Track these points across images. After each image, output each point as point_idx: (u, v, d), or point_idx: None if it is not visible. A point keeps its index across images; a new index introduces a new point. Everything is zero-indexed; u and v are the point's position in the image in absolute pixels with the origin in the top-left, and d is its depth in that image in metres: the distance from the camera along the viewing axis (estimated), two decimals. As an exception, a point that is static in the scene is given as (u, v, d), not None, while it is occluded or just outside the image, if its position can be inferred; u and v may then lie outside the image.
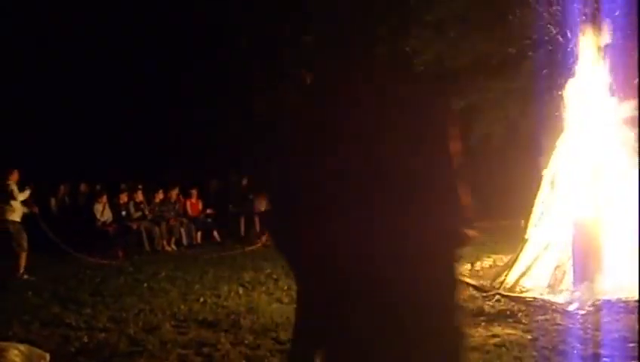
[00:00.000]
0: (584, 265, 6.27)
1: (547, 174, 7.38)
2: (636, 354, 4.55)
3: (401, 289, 1.84)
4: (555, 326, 5.36)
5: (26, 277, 8.85)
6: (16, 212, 9.10)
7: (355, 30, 2.11)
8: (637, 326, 5.05)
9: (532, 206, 7.44)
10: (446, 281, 1.95)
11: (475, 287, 6.96)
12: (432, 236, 1.89)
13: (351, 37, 2.06)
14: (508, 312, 5.73)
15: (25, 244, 9.02)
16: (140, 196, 12.73)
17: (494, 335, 5.16)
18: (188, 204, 13.56)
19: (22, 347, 4.69)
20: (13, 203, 9.08)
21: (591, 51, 7.12)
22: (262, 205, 14.81)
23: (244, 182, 14.13)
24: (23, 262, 8.96)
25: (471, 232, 2.07)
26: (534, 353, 4.69)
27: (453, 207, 1.92)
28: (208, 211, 13.67)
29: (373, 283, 1.81)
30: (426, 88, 2.12)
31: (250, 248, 11.46)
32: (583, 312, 5.68)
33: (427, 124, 1.96)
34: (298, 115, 2.01)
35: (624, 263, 6.33)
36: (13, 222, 9.02)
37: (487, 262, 8.57)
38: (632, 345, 4.73)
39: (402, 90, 1.99)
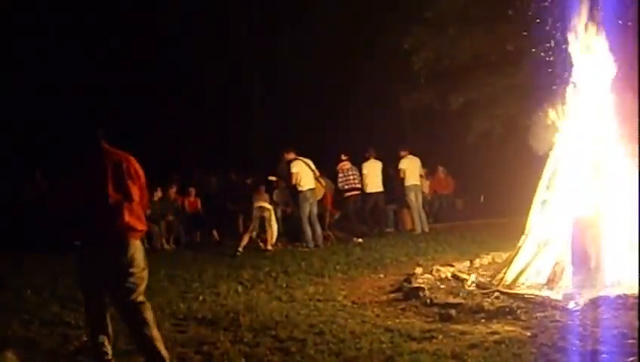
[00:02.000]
0: (583, 262, 6.26)
1: (546, 171, 7.37)
2: (635, 350, 4.55)
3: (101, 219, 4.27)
4: (554, 323, 5.36)
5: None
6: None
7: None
8: (636, 323, 5.05)
9: (531, 203, 7.43)
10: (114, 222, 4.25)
11: (474, 284, 6.97)
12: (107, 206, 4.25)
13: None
14: (507, 309, 5.73)
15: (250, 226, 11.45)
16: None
17: (493, 332, 5.16)
18: (186, 202, 13.56)
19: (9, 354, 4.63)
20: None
21: (591, 48, 7.10)
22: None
23: (248, 180, 14.10)
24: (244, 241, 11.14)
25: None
26: (533, 350, 4.69)
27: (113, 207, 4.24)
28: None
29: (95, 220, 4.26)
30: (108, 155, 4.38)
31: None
32: (581, 309, 5.68)
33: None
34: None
35: (623, 259, 6.32)
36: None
37: (485, 259, 8.57)
38: (631, 341, 4.73)
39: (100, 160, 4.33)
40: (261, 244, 11.43)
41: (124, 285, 4.25)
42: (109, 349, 4.41)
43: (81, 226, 4.27)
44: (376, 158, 13.25)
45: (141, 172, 4.41)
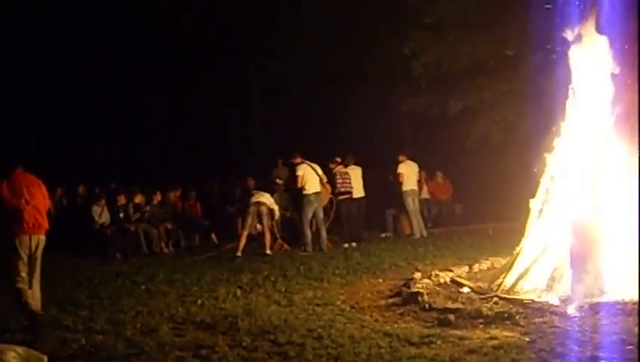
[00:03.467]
0: (582, 268, 6.26)
1: (545, 176, 7.37)
2: (634, 356, 4.55)
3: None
4: (553, 329, 5.37)
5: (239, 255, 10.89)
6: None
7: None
8: (635, 329, 5.05)
9: (529, 208, 7.43)
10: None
11: (472, 290, 6.97)
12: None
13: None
14: (506, 314, 5.73)
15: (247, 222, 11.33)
16: (138, 198, 12.71)
17: (492, 338, 5.16)
18: (186, 205, 13.55)
19: (19, 349, 4.69)
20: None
21: (589, 52, 7.11)
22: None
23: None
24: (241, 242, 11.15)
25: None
26: (532, 355, 4.69)
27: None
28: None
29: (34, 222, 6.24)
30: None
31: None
32: (580, 314, 5.68)
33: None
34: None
35: (622, 265, 6.32)
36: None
37: (484, 264, 8.58)
38: (630, 347, 4.74)
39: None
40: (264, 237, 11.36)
41: (34, 260, 6.25)
42: (29, 294, 6.14)
43: (10, 221, 6.19)
44: (355, 164, 13.24)
45: (43, 186, 6.40)
